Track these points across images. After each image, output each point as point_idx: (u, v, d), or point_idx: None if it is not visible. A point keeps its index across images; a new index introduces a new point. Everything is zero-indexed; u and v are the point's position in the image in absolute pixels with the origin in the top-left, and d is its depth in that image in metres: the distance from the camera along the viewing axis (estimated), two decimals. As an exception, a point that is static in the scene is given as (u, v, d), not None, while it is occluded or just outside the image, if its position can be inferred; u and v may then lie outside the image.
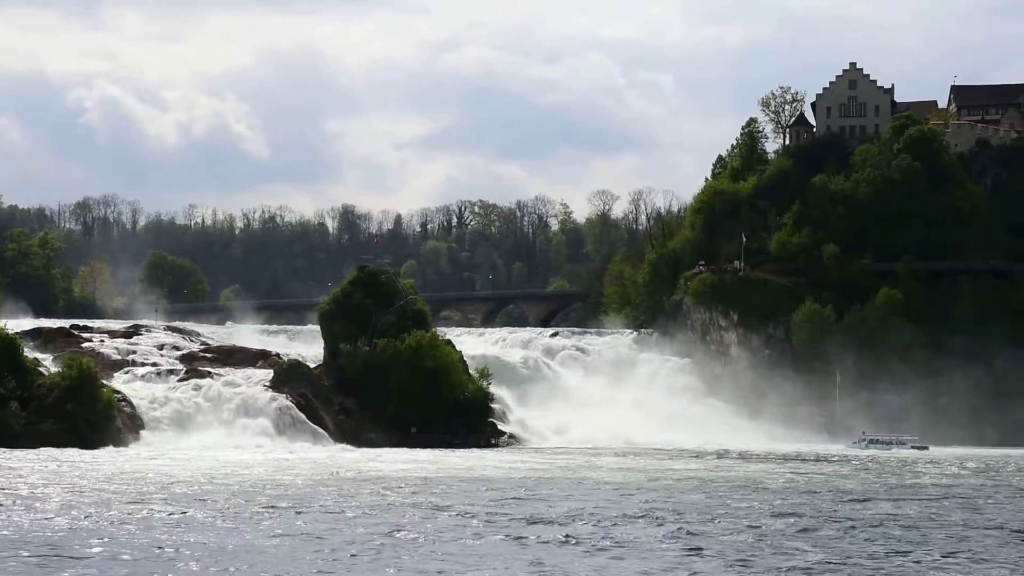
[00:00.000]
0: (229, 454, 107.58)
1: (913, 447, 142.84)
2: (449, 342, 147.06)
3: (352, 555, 47.95)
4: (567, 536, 53.29)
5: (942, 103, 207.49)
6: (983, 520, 62.83)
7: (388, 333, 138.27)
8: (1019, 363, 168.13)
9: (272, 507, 63.30)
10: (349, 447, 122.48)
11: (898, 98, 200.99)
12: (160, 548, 48.97)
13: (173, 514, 59.69)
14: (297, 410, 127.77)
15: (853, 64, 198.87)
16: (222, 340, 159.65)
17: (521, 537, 52.96)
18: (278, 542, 50.91)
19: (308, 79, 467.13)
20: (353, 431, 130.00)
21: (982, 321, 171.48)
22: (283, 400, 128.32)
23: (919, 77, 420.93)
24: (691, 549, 50.02)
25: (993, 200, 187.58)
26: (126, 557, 46.99)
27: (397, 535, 53.28)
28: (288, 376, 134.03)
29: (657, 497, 72.09)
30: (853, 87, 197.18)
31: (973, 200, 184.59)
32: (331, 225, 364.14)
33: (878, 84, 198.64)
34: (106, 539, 51.12)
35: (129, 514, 59.50)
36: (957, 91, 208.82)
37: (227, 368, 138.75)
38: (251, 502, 65.52)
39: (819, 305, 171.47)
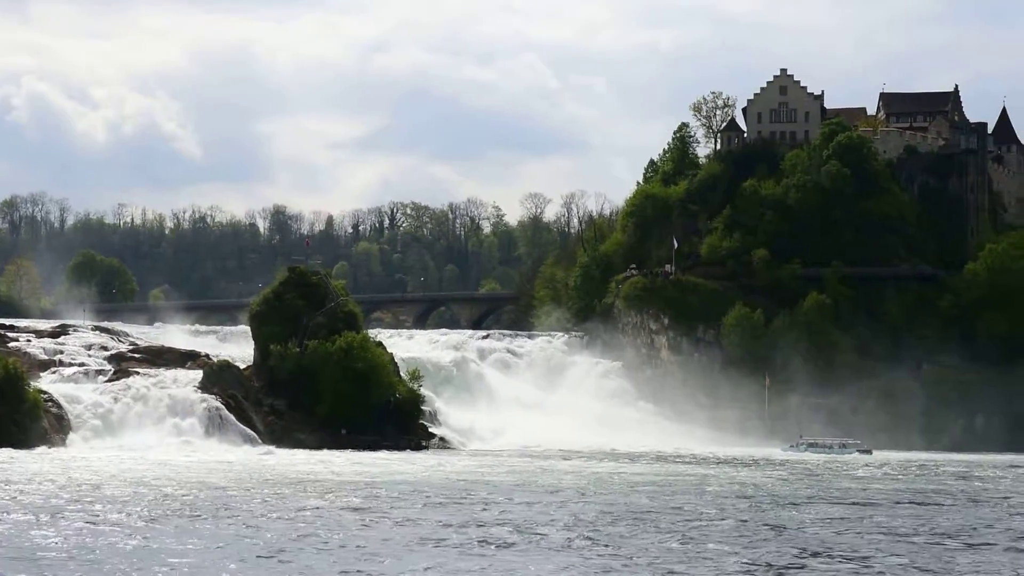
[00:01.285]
0: (157, 455, 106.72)
1: (858, 451, 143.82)
2: (380, 344, 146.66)
3: (269, 557, 47.53)
4: (486, 539, 52.96)
5: (871, 110, 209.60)
6: (915, 526, 63.48)
7: (319, 334, 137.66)
8: (946, 367, 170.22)
9: (195, 509, 62.75)
10: (278, 448, 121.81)
11: (828, 104, 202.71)
12: (73, 552, 48.26)
13: (91, 517, 58.93)
14: (226, 411, 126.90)
15: (784, 70, 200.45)
16: (151, 340, 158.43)
17: (442, 539, 52.75)
18: (197, 545, 50.35)
19: (240, 78, 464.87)
20: (283, 432, 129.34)
21: (909, 326, 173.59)
22: (212, 401, 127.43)
23: (849, 84, 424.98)
24: (614, 553, 49.91)
25: (920, 206, 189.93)
26: (41, 560, 46.37)
27: (316, 538, 52.85)
28: (217, 377, 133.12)
29: (586, 500, 72.21)
30: (784, 93, 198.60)
31: (901, 206, 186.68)
32: (262, 225, 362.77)
33: (808, 90, 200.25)
34: (21, 542, 50.44)
35: (48, 517, 58.77)
36: (886, 98, 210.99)
37: (156, 369, 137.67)
38: (174, 504, 64.97)
39: (749, 309, 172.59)
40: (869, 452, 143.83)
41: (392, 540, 52.84)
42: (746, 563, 48.02)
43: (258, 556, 47.79)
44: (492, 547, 50.96)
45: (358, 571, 44.74)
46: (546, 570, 45.51)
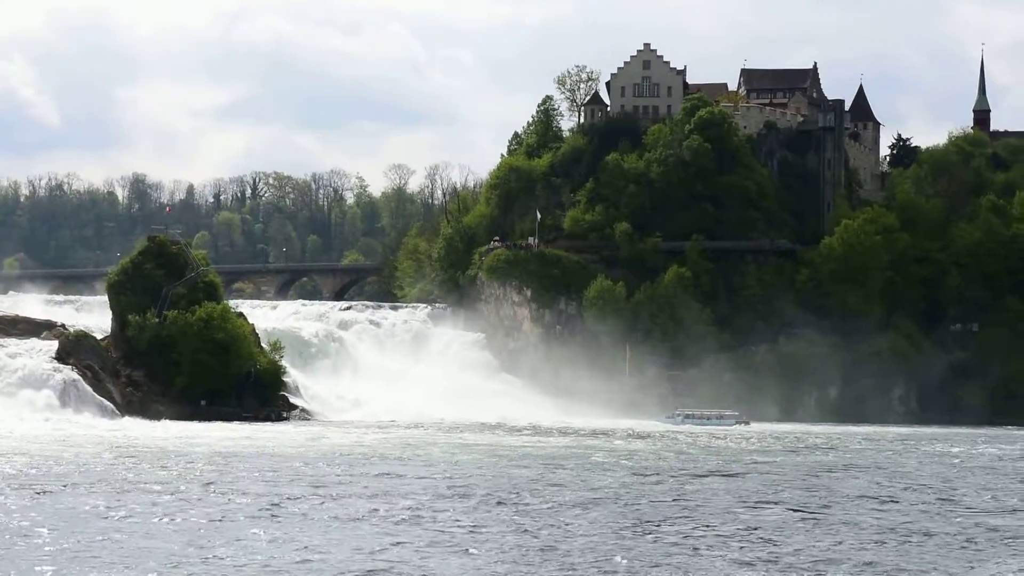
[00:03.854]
0: (11, 426, 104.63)
1: (737, 422, 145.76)
2: (241, 315, 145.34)
3: (118, 530, 46.79)
4: (335, 511, 52.48)
5: (732, 86, 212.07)
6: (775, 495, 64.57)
7: (179, 305, 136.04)
8: (802, 340, 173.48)
9: (45, 483, 61.59)
10: (137, 420, 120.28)
11: (690, 80, 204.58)
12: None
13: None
14: (83, 382, 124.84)
15: (647, 45, 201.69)
16: (4, 310, 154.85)
17: (288, 511, 52.18)
18: (47, 518, 49.36)
19: (99, 45, 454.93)
20: (141, 404, 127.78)
21: (767, 299, 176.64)
22: (69, 372, 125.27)
23: (711, 60, 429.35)
24: (469, 526, 49.55)
25: (779, 182, 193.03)
26: None
27: (159, 508, 52.08)
28: (74, 347, 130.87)
29: (449, 472, 72.32)
30: (647, 68, 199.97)
31: (760, 181, 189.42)
32: (121, 194, 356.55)
33: (671, 66, 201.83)
34: None
35: None
36: (747, 75, 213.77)
37: (9, 339, 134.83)
38: (25, 477, 63.79)
39: (611, 282, 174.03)
40: (747, 423, 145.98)
41: (235, 512, 52.14)
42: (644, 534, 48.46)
43: (95, 528, 46.86)
44: (339, 520, 50.46)
45: (199, 545, 43.96)
46: (395, 543, 45.28)
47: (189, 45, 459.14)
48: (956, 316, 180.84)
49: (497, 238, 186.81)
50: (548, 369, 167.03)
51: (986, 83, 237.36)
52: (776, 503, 58.85)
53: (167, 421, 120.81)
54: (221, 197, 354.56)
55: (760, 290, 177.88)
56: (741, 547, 44.68)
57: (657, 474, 73.28)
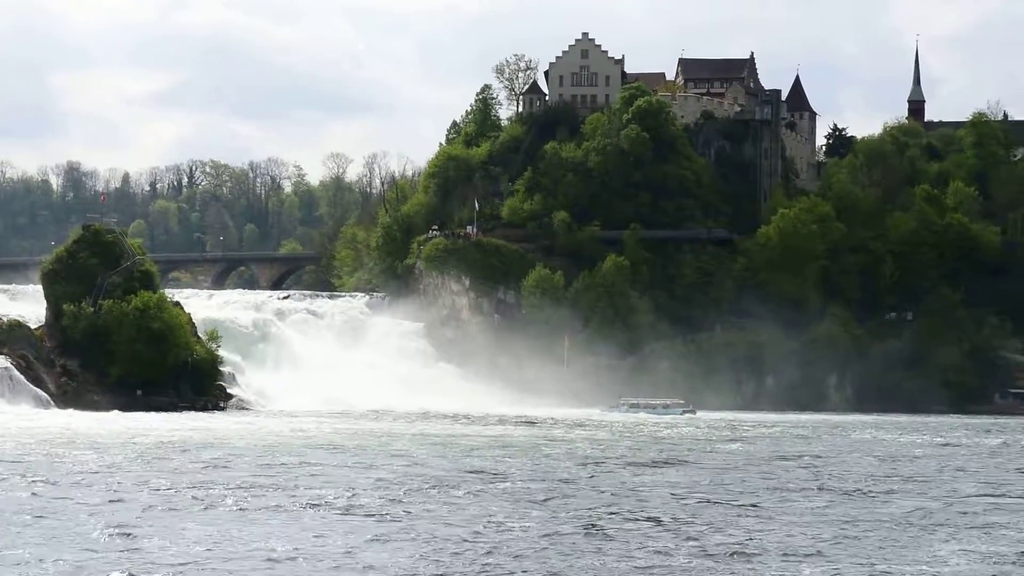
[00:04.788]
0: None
1: (684, 411, 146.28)
2: (177, 304, 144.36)
3: (47, 523, 46.09)
4: (266, 502, 51.79)
5: (670, 75, 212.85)
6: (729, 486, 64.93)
7: (114, 294, 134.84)
8: (740, 329, 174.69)
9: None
10: (71, 410, 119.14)
11: (628, 69, 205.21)
12: None
13: None
14: (17, 372, 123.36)
15: (585, 34, 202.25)
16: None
17: (219, 503, 51.46)
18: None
19: (32, 31, 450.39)
20: (76, 394, 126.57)
21: (704, 288, 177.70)
22: (2, 362, 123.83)
23: (649, 49, 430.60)
24: (400, 516, 49.01)
25: (716, 171, 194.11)
26: None
27: (81, 501, 51.39)
28: (8, 337, 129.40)
29: (384, 461, 72.16)
30: (585, 57, 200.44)
31: (697, 171, 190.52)
32: (55, 182, 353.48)
33: (609, 55, 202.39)
34: None
35: None
36: (684, 64, 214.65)
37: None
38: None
39: (549, 271, 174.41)
40: (694, 412, 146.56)
41: (166, 503, 51.53)
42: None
43: (20, 521, 46.23)
44: (270, 510, 49.97)
45: (129, 535, 43.44)
46: (323, 533, 44.99)
47: (125, 31, 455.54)
48: (891, 305, 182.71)
49: (435, 227, 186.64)
50: (486, 358, 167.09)
51: (921, 74, 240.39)
52: (713, 492, 59.15)
53: (102, 411, 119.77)
54: (157, 185, 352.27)
55: (698, 279, 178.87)
56: (673, 537, 44.81)
57: (597, 463, 73.42)
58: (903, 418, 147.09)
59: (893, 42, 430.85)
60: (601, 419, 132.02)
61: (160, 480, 58.97)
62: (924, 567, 39.92)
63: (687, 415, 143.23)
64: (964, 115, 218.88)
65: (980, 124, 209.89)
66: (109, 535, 43.11)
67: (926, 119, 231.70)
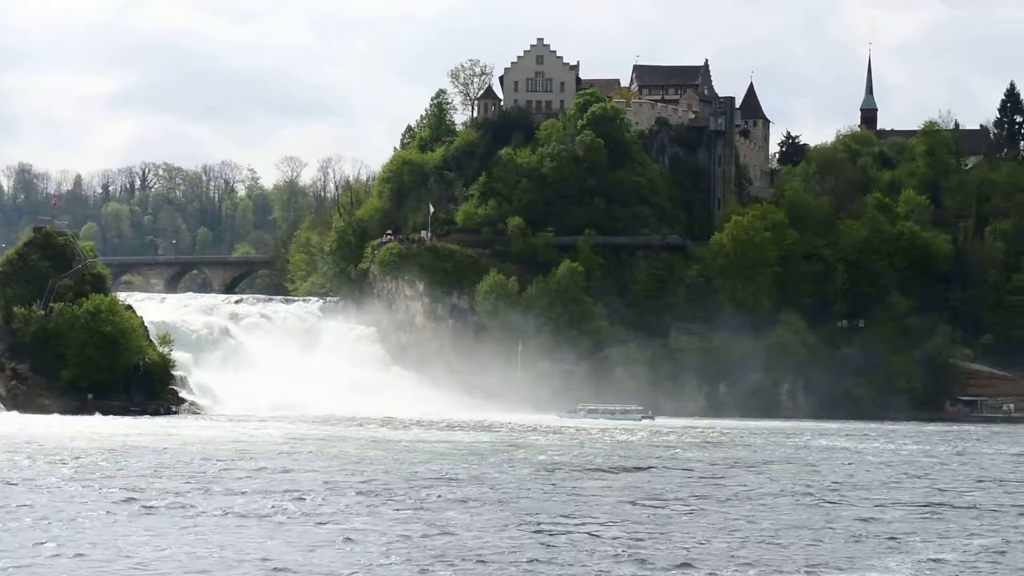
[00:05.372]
0: None
1: (642, 417, 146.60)
2: (130, 307, 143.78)
3: None
4: (207, 507, 51.48)
5: (625, 82, 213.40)
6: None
7: (65, 297, 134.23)
8: (692, 334, 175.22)
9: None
10: (20, 414, 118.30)
11: (583, 75, 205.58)
12: None
13: None
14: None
15: (540, 40, 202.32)
16: None
17: (158, 508, 51.26)
18: None
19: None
20: (26, 397, 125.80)
21: (658, 294, 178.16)
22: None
23: (604, 56, 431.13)
24: (350, 522, 48.74)
25: (670, 178, 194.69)
26: None
27: (25, 507, 50.86)
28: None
29: (335, 466, 71.89)
30: (540, 62, 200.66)
31: (651, 177, 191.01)
32: (6, 184, 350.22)
33: (564, 61, 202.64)
34: None
35: None
36: (639, 71, 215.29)
37: None
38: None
39: (503, 276, 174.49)
40: (652, 417, 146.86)
41: (112, 508, 51.00)
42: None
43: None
44: (218, 515, 49.56)
45: (72, 542, 42.94)
46: (272, 538, 44.78)
47: (77, 31, 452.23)
48: (843, 312, 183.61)
49: (390, 232, 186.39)
50: (441, 364, 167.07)
51: (873, 83, 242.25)
52: (663, 499, 59.32)
53: (53, 415, 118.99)
54: (110, 188, 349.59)
55: (652, 285, 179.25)
56: (620, 544, 44.88)
57: (551, 469, 73.48)
58: (854, 425, 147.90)
59: (846, 51, 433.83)
60: (558, 425, 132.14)
61: (100, 485, 58.56)
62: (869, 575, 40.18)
63: (645, 421, 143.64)
64: (916, 124, 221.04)
65: (931, 133, 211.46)
66: (39, 541, 42.66)
67: (878, 127, 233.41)
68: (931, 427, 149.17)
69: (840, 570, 40.90)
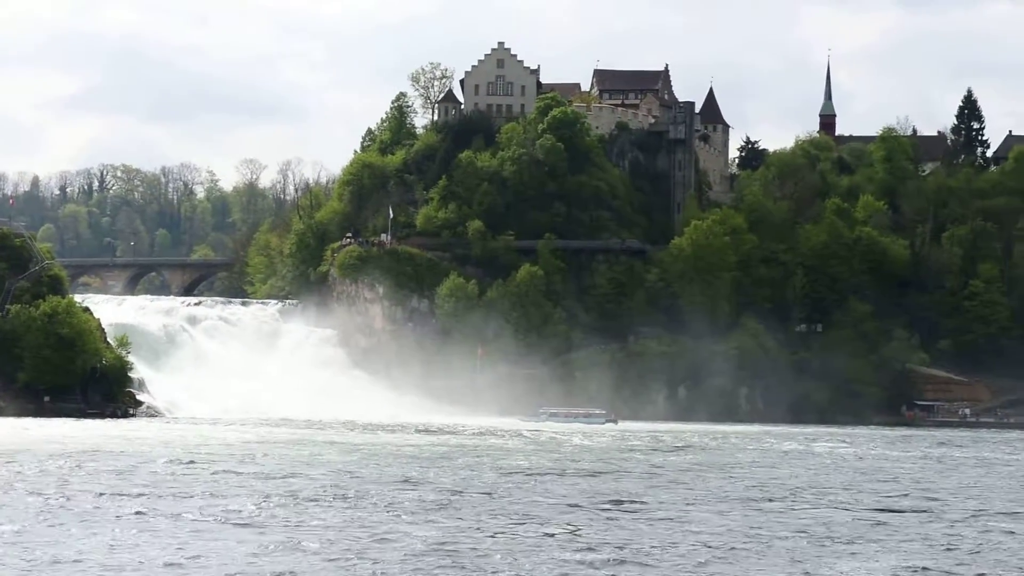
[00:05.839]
0: None
1: (606, 421, 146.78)
2: (87, 309, 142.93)
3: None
4: (160, 510, 51.10)
5: (585, 86, 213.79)
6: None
7: (22, 299, 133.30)
8: (652, 338, 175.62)
9: None
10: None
11: (544, 79, 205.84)
12: None
13: None
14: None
15: (502, 43, 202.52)
16: None
17: (104, 511, 50.86)
18: None
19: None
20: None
21: (617, 298, 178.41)
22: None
23: (564, 60, 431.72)
24: (306, 525, 48.47)
25: (630, 182, 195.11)
26: None
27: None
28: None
29: (293, 470, 71.62)
30: (501, 66, 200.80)
31: (611, 182, 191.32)
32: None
33: (525, 64, 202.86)
34: None
35: None
36: (599, 75, 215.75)
37: None
38: None
39: (463, 280, 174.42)
40: (615, 421, 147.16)
41: (63, 511, 50.57)
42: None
43: None
44: (170, 518, 49.15)
45: (23, 544, 42.66)
46: (223, 541, 44.48)
47: (35, 33, 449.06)
48: (801, 317, 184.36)
49: (349, 235, 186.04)
50: (400, 366, 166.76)
51: (832, 88, 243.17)
52: (620, 501, 59.38)
53: (9, 418, 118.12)
54: (67, 189, 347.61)
55: (611, 289, 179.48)
56: (571, 545, 44.87)
57: (512, 473, 73.43)
58: (812, 429, 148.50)
59: (805, 57, 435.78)
60: (521, 428, 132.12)
61: (51, 488, 58.12)
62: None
63: (609, 424, 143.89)
64: (874, 130, 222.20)
65: (890, 139, 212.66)
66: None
67: (837, 133, 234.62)
68: (887, 431, 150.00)
69: (796, 573, 41.08)
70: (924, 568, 42.61)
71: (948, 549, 47.02)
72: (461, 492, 61.13)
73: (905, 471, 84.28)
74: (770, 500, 61.75)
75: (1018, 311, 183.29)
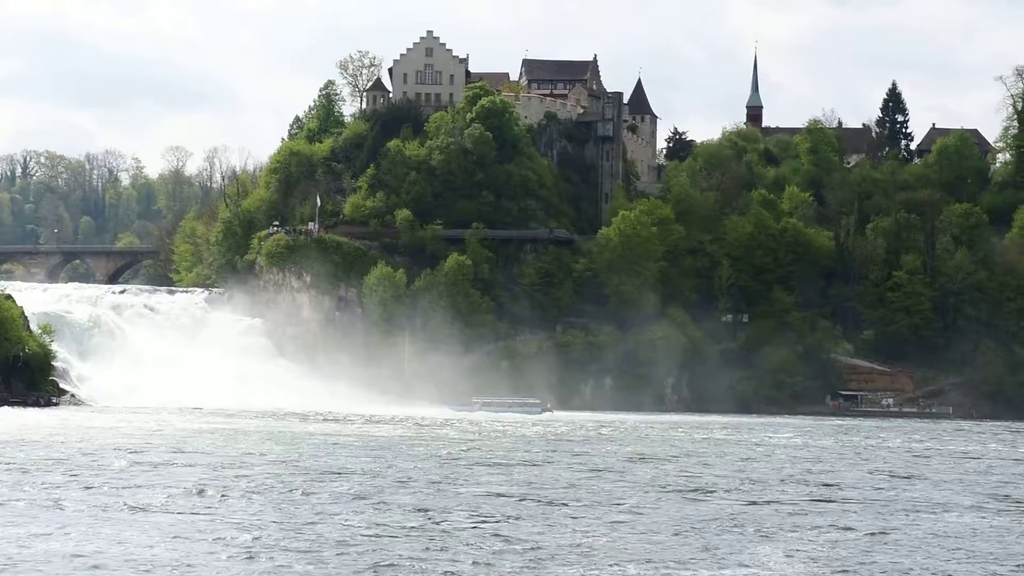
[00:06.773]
0: None
1: (542, 410, 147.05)
2: (10, 297, 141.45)
3: None
4: (89, 502, 50.59)
5: (514, 76, 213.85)
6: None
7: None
8: (578, 328, 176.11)
9: None
10: None
11: (473, 68, 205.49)
12: None
13: None
14: None
15: (430, 32, 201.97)
16: None
17: (20, 500, 50.53)
18: None
19: None
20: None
21: (545, 288, 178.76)
22: None
23: (493, 49, 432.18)
24: (227, 517, 48.17)
25: (558, 172, 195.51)
26: None
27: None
28: None
29: (216, 460, 71.26)
30: (429, 55, 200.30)
31: (539, 171, 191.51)
32: None
33: (454, 53, 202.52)
34: None
35: None
36: (528, 65, 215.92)
37: None
38: None
39: (391, 269, 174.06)
40: (551, 411, 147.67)
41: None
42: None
43: None
44: (88, 509, 48.65)
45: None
46: (141, 532, 44.24)
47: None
48: (727, 307, 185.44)
49: (276, 223, 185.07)
50: (327, 356, 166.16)
51: (759, 80, 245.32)
52: (548, 492, 59.62)
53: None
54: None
55: (539, 279, 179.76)
56: (496, 537, 44.97)
57: (442, 463, 73.42)
58: (736, 419, 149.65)
59: (732, 48, 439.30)
60: (453, 418, 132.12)
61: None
62: (742, 569, 40.68)
63: (545, 414, 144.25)
64: (800, 122, 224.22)
65: (815, 131, 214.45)
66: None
67: (764, 125, 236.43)
68: (811, 421, 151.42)
69: (712, 560, 41.44)
70: (837, 554, 43.17)
71: (867, 535, 47.64)
72: (387, 482, 61.08)
73: (826, 461, 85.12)
74: (696, 488, 62.21)
75: (940, 302, 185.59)
